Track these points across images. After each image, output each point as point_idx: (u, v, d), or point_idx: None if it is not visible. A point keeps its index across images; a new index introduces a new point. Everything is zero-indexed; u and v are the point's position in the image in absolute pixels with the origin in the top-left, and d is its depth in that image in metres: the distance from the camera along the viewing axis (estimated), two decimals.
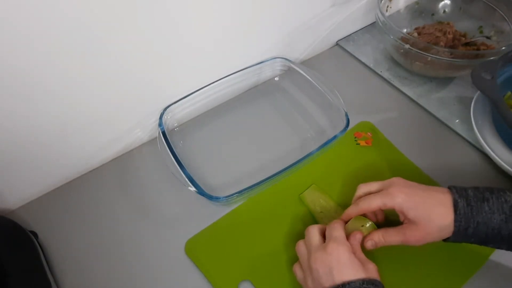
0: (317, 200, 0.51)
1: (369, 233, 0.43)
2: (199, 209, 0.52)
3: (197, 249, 0.48)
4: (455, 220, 0.38)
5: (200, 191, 0.47)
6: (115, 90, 0.49)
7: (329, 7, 0.65)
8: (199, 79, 0.59)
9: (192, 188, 0.48)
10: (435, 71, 0.65)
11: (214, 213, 0.51)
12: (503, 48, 0.58)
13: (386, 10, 0.70)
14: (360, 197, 0.44)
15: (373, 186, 0.44)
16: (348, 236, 0.42)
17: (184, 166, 0.50)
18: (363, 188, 0.45)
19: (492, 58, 0.57)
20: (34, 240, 0.47)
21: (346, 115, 0.55)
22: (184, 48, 0.52)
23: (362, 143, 0.58)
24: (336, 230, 0.41)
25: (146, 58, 0.49)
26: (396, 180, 0.43)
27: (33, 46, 0.39)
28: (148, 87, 0.53)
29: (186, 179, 0.48)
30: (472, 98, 0.59)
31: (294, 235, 0.49)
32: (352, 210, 0.43)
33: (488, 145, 0.54)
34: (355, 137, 0.59)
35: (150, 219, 0.51)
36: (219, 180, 0.54)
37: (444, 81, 0.67)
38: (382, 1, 0.68)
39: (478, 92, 0.60)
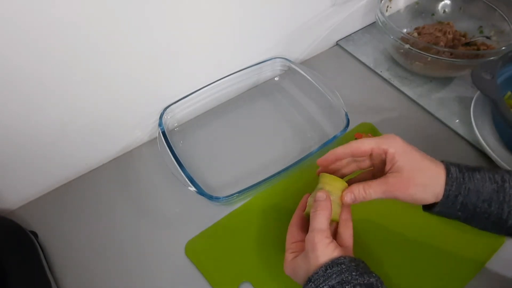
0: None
1: (348, 187, 0.40)
2: (199, 209, 0.52)
3: (197, 250, 0.48)
4: (447, 183, 0.37)
5: (200, 191, 0.47)
6: (115, 90, 0.49)
7: (329, 7, 0.65)
8: (199, 79, 0.59)
9: (192, 188, 0.48)
10: (435, 71, 0.65)
11: (214, 213, 0.51)
12: (503, 48, 0.58)
13: (386, 10, 0.70)
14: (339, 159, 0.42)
15: (366, 142, 0.40)
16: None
17: (184, 166, 0.50)
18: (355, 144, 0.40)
19: (492, 58, 0.57)
20: (34, 240, 0.47)
21: (346, 115, 0.55)
22: (184, 48, 0.52)
23: None
24: (318, 222, 0.38)
25: (146, 58, 0.49)
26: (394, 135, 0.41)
27: (33, 46, 0.39)
28: (148, 87, 0.53)
29: (186, 179, 0.48)
30: (472, 98, 0.59)
31: None
32: (341, 150, 0.41)
33: (488, 145, 0.54)
34: (356, 138, 0.59)
35: (150, 219, 0.51)
36: (219, 180, 0.54)
37: (444, 81, 0.67)
38: (382, 1, 0.68)
39: (478, 92, 0.60)
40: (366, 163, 0.43)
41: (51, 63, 0.41)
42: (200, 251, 0.48)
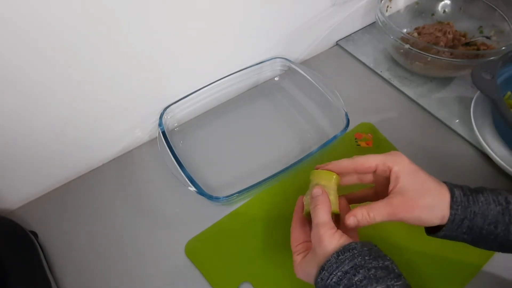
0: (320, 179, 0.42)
1: (352, 210, 0.39)
2: (199, 209, 0.52)
3: (197, 250, 0.48)
4: (451, 207, 0.36)
5: (200, 191, 0.47)
6: (115, 90, 0.49)
7: (329, 7, 0.65)
8: (199, 79, 0.59)
9: (192, 188, 0.48)
10: (435, 71, 0.65)
11: (215, 213, 0.51)
12: (503, 48, 0.58)
13: (386, 10, 0.70)
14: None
15: (371, 158, 0.40)
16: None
17: (184, 166, 0.50)
18: (359, 160, 0.40)
19: (492, 58, 0.57)
20: (34, 240, 0.47)
21: (346, 115, 0.55)
22: (184, 48, 0.52)
23: (363, 144, 0.58)
24: (319, 217, 0.38)
25: (146, 58, 0.49)
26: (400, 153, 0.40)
27: (33, 47, 0.39)
28: (148, 87, 0.53)
29: (186, 179, 0.48)
30: (472, 98, 0.59)
31: None
32: (345, 164, 0.40)
33: (488, 145, 0.54)
34: (356, 138, 0.59)
35: (150, 220, 0.51)
36: (219, 180, 0.54)
37: (444, 81, 0.67)
38: (382, 1, 0.68)
39: (478, 92, 0.60)
40: (368, 178, 0.42)
41: (51, 63, 0.41)
42: (200, 251, 0.48)
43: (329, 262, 0.34)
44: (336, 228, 0.37)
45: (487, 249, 0.39)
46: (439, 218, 0.37)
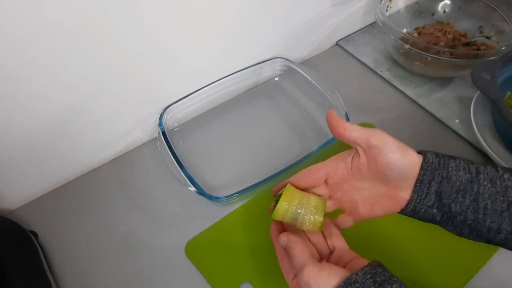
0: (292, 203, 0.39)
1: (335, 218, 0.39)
2: (199, 209, 0.52)
3: (197, 251, 0.48)
4: (421, 167, 0.35)
5: (200, 191, 0.47)
6: (115, 90, 0.49)
7: (329, 7, 0.65)
8: (199, 79, 0.59)
9: (192, 188, 0.48)
10: (435, 71, 0.65)
11: (215, 213, 0.51)
12: (503, 48, 0.58)
13: (386, 10, 0.70)
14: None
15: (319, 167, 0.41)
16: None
17: (184, 166, 0.50)
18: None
19: (492, 58, 0.57)
20: (34, 240, 0.47)
21: (346, 115, 0.55)
22: (184, 48, 0.52)
23: None
24: (298, 262, 0.35)
25: (146, 59, 0.49)
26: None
27: (32, 48, 0.39)
28: (148, 87, 0.53)
29: (186, 179, 0.48)
30: (472, 98, 0.59)
31: None
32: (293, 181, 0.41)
33: (488, 145, 0.54)
34: None
35: (150, 219, 0.51)
36: (219, 180, 0.54)
37: (444, 81, 0.67)
38: (382, 1, 0.68)
39: (478, 92, 0.60)
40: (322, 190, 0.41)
41: (51, 64, 0.41)
42: (200, 251, 0.48)
43: None
44: (318, 264, 0.34)
45: (459, 234, 0.36)
46: (409, 186, 0.35)
